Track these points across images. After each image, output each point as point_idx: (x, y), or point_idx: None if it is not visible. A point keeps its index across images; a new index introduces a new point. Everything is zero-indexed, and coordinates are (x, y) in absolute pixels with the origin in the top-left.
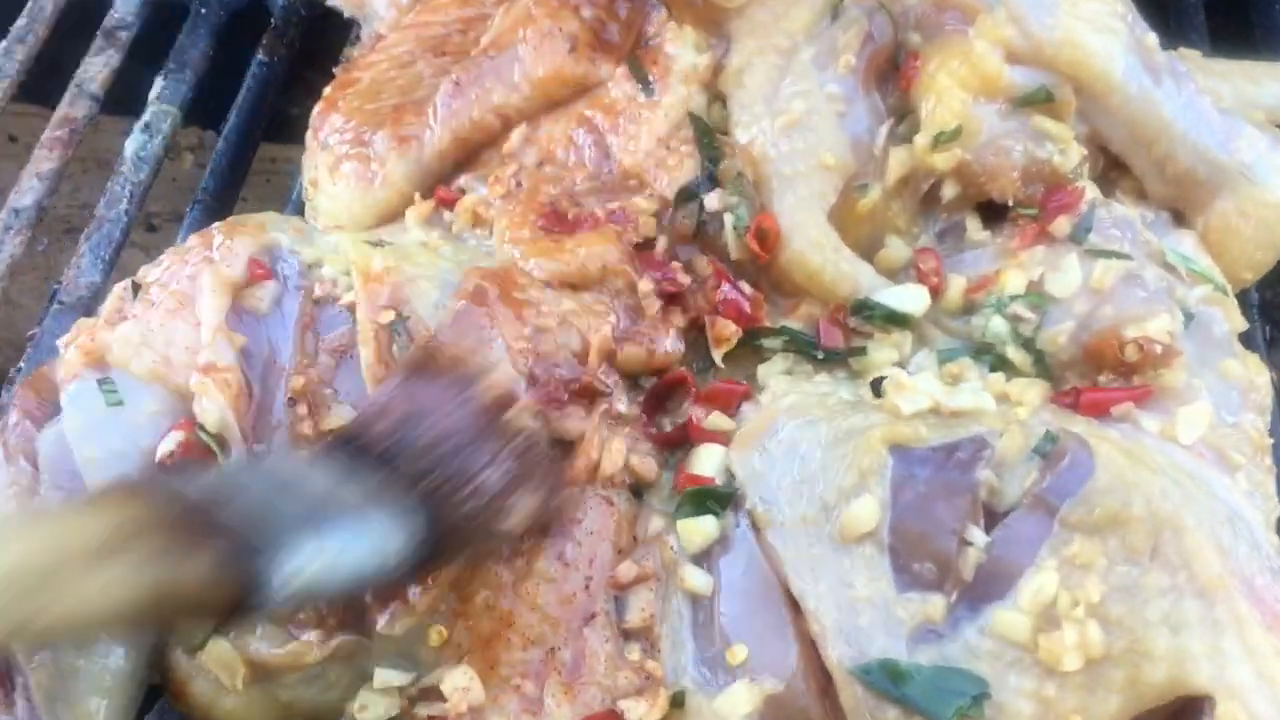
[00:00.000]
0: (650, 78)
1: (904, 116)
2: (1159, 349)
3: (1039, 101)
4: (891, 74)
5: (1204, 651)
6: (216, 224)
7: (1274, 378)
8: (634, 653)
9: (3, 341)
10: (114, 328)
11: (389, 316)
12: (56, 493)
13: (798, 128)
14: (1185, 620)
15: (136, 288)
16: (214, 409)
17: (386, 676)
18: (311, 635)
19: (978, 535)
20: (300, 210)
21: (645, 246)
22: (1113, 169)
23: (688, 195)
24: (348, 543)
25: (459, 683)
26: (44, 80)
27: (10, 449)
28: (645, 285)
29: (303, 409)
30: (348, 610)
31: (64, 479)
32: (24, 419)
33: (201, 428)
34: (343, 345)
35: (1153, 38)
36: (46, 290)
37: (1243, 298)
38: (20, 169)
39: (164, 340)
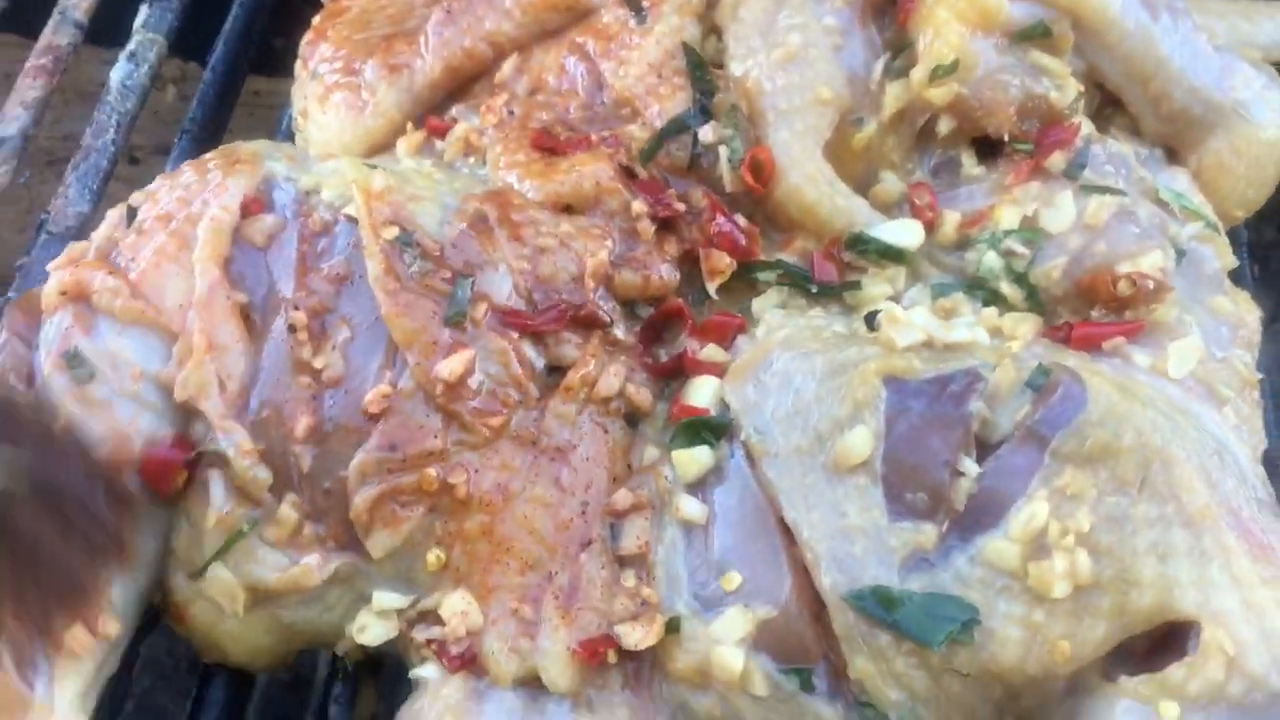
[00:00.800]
0: (643, 4)
1: (900, 51)
2: (1151, 284)
3: (1037, 36)
4: (888, 7)
5: (1191, 580)
6: (211, 154)
7: (1262, 315)
8: (629, 579)
9: None
10: (103, 262)
11: (393, 232)
12: (129, 384)
13: (794, 61)
14: (1173, 549)
15: (132, 214)
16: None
17: (385, 599)
18: (312, 559)
19: (970, 466)
20: (289, 143)
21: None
22: (1107, 106)
23: (680, 126)
24: None
25: (457, 606)
26: (26, 9)
27: (3, 372)
28: (639, 206)
29: (303, 335)
30: (346, 531)
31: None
32: (14, 339)
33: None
34: (343, 271)
35: None
36: (29, 223)
37: (1232, 235)
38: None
39: (156, 288)
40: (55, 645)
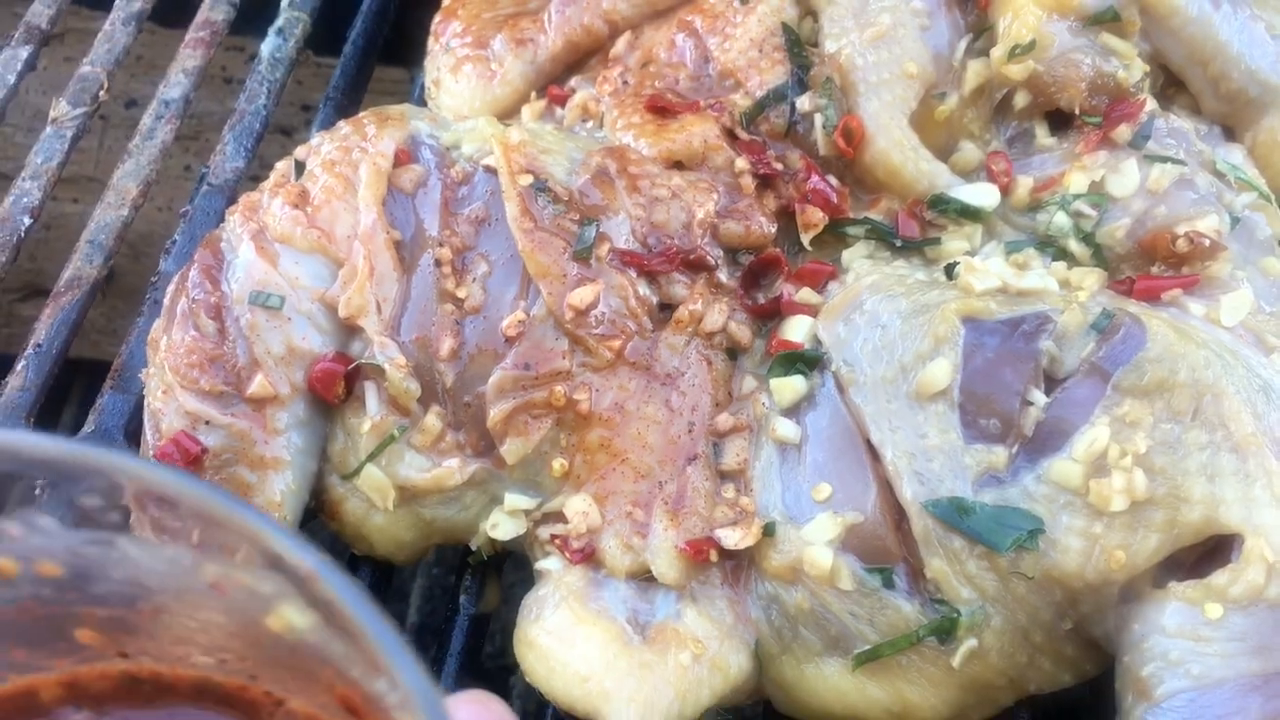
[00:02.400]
0: None
1: (982, 32)
2: (1207, 242)
3: (1107, 20)
4: None
5: (1236, 497)
6: (364, 113)
7: None
8: (729, 491)
9: (136, 238)
10: (276, 199)
11: (528, 179)
12: (306, 304)
13: (884, 39)
14: (1221, 471)
15: (299, 166)
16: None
17: (515, 500)
18: (453, 463)
19: (1038, 396)
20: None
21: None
22: (1170, 86)
23: (779, 96)
24: None
25: (579, 507)
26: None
27: (194, 305)
28: (742, 164)
29: (447, 269)
30: (482, 440)
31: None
32: (203, 278)
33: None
34: (481, 215)
35: None
36: (158, 191)
37: None
38: (131, 78)
39: (328, 221)
40: None
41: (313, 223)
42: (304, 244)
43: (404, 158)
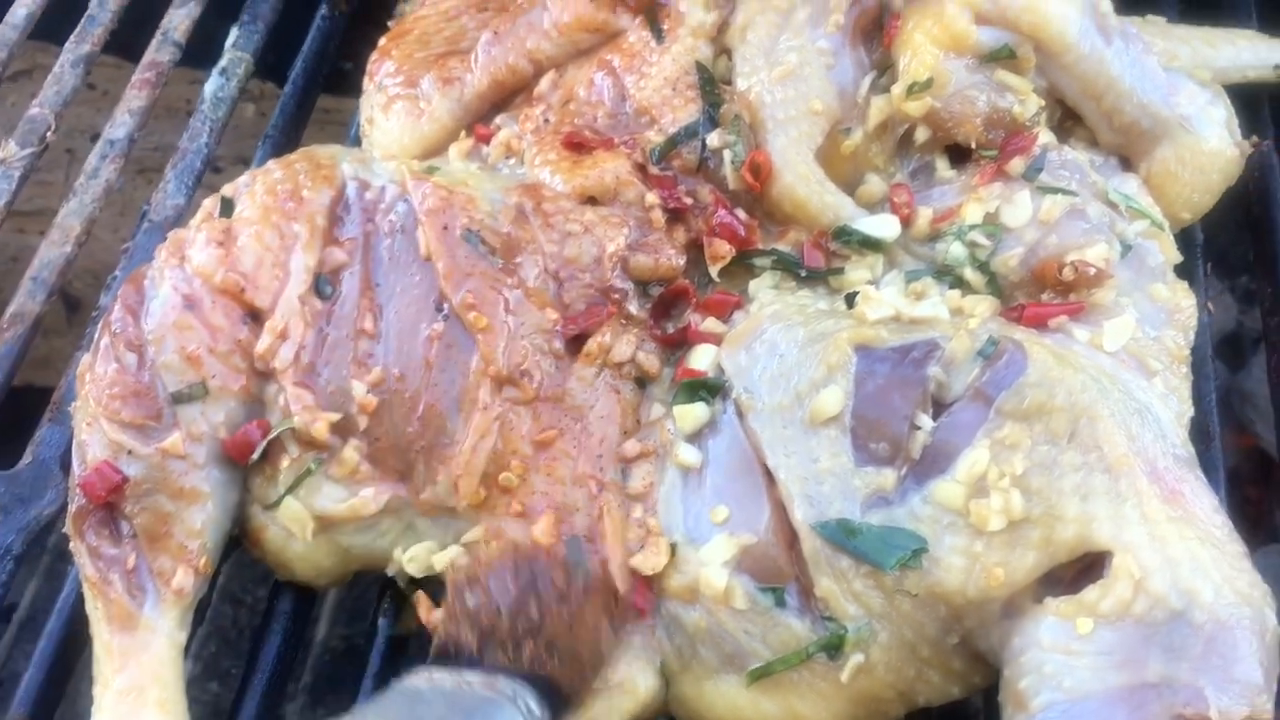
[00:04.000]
0: (663, 28)
1: (885, 70)
2: (1092, 271)
3: (1002, 58)
4: (876, 32)
5: (1108, 515)
6: (294, 155)
7: (1210, 308)
8: (637, 511)
9: (83, 269)
10: (200, 235)
11: (463, 220)
12: (222, 345)
13: (791, 78)
14: (1094, 490)
15: (226, 204)
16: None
17: (427, 544)
18: (368, 492)
19: (926, 421)
20: (356, 147)
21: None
22: (1069, 119)
23: (690, 133)
24: None
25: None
26: (124, 33)
27: (115, 338)
28: (652, 198)
29: (363, 303)
30: (396, 469)
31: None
32: (125, 312)
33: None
34: (397, 253)
35: (1106, 3)
36: (121, 223)
37: (1188, 236)
38: (97, 113)
39: (252, 266)
40: (164, 580)
41: (234, 266)
42: (223, 285)
43: (335, 199)
